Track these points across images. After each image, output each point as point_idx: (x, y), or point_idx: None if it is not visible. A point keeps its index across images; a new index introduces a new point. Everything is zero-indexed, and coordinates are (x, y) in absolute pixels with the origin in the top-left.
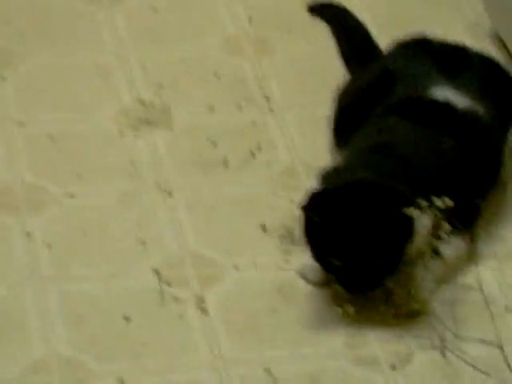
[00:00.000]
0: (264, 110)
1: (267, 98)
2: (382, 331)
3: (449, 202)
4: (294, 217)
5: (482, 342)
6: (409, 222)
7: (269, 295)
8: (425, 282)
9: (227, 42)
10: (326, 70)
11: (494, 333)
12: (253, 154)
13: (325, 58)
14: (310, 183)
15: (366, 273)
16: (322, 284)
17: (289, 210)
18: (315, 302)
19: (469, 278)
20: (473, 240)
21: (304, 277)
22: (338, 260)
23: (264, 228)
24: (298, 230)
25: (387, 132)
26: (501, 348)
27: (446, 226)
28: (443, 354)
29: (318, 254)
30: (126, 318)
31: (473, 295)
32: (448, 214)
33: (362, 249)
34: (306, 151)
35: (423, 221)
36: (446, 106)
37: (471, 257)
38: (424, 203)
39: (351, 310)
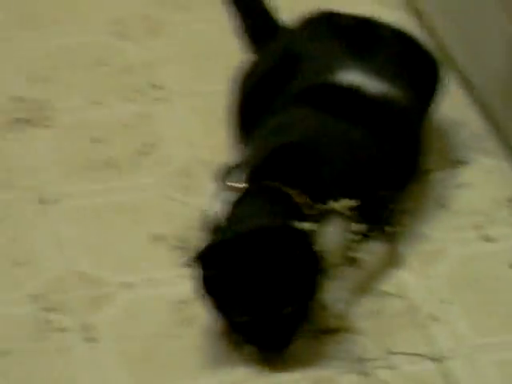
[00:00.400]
0: (155, 101)
1: (159, 88)
2: (297, 355)
3: (351, 203)
4: (190, 224)
5: (414, 356)
6: (314, 258)
7: (167, 317)
8: (341, 294)
9: (113, 24)
10: (226, 54)
11: (423, 344)
12: (144, 153)
13: (224, 40)
14: (208, 184)
15: (279, 325)
16: None
17: (184, 216)
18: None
19: (390, 284)
20: (392, 240)
21: None
22: (244, 316)
23: (157, 238)
24: (195, 238)
25: (289, 127)
26: (436, 360)
27: (359, 228)
28: (367, 375)
29: (221, 311)
30: (3, 353)
31: (397, 303)
32: (360, 214)
33: (268, 298)
34: (204, 147)
35: (332, 230)
36: (356, 92)
37: (392, 260)
38: (326, 208)
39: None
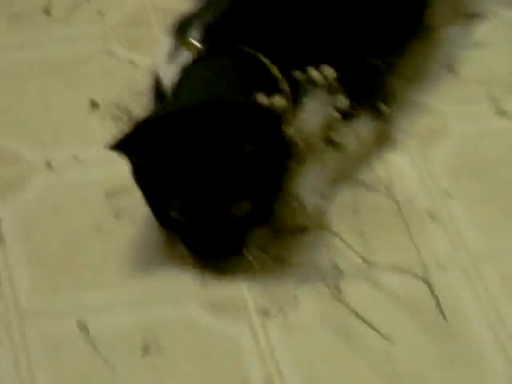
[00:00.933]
0: None
1: None
2: (250, 265)
3: (333, 72)
4: (134, 88)
5: (400, 270)
6: (279, 142)
7: (94, 206)
8: (316, 185)
9: None
10: None
11: (412, 251)
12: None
13: None
14: (161, 37)
15: (226, 228)
16: None
17: (129, 78)
18: None
19: (377, 172)
20: (384, 120)
21: None
22: (180, 215)
23: (94, 104)
24: (138, 108)
25: None
26: (425, 281)
27: (344, 104)
28: (336, 292)
29: (155, 207)
30: None
31: (384, 197)
32: (345, 86)
33: (213, 194)
34: None
35: (310, 106)
36: None
37: (381, 143)
38: (302, 78)
39: None
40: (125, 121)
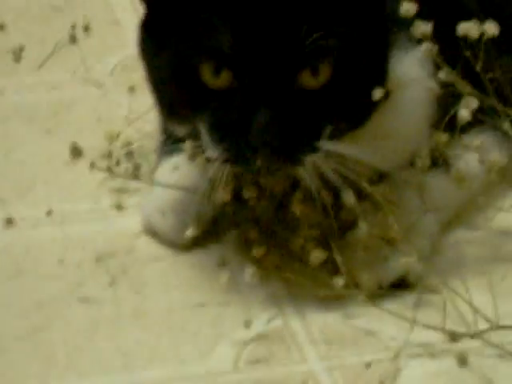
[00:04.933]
0: None
1: None
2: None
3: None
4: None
5: None
6: None
7: (77, 270)
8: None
9: None
10: None
11: None
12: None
13: None
14: None
15: (287, 107)
16: (189, 237)
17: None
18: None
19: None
20: None
21: (153, 228)
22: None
23: (76, 152)
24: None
25: None
26: None
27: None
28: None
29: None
30: None
31: None
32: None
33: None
34: None
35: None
36: None
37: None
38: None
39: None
40: (112, 172)
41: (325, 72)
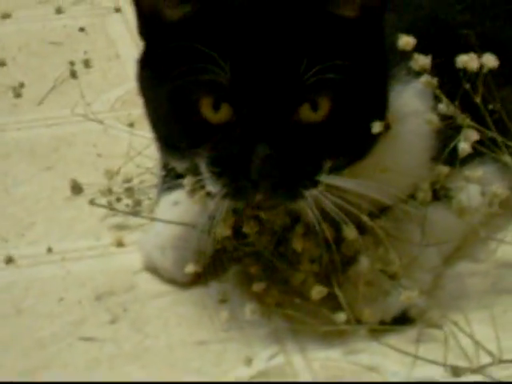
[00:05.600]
0: None
1: None
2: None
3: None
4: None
5: None
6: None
7: (77, 309)
8: (424, 263)
9: None
10: None
11: None
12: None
13: None
14: None
15: (285, 139)
16: (190, 273)
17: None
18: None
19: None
20: None
21: (153, 265)
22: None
23: (76, 188)
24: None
25: None
26: None
27: (470, 136)
28: None
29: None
30: None
31: None
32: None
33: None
34: None
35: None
36: None
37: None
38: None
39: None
40: (113, 208)
41: (324, 106)
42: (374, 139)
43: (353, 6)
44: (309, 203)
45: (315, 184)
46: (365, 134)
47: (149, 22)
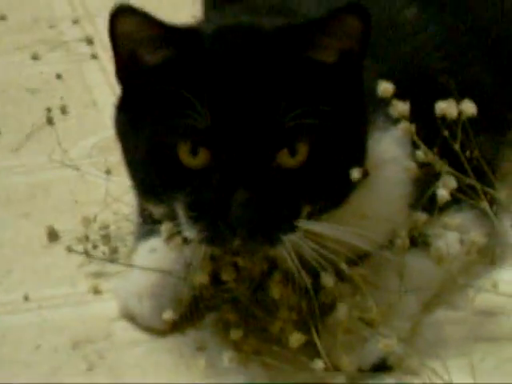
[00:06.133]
0: None
1: None
2: None
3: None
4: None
5: None
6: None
7: (53, 357)
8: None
9: None
10: None
11: None
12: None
13: None
14: None
15: (264, 185)
16: (167, 321)
17: (92, 208)
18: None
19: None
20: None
21: (130, 313)
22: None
23: (52, 235)
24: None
25: None
26: None
27: (449, 183)
28: None
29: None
30: None
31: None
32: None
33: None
34: None
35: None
36: None
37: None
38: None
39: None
40: (89, 256)
41: (302, 151)
42: (352, 185)
43: (331, 52)
44: (287, 249)
45: (293, 229)
46: (343, 179)
47: (127, 66)
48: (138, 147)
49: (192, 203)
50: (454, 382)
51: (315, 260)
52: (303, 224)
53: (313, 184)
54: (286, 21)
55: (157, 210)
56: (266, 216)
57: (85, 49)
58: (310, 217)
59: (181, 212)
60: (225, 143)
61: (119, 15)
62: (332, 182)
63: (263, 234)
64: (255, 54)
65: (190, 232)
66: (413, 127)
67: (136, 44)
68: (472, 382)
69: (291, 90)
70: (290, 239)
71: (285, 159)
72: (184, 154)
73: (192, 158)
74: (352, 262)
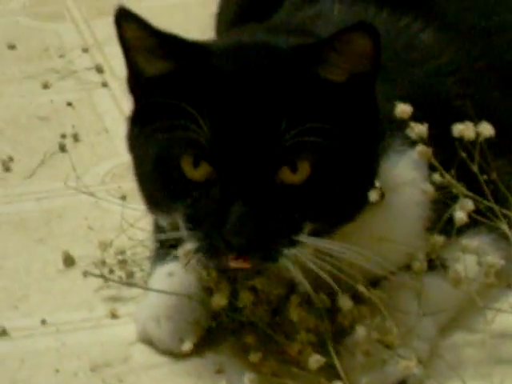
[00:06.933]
0: None
1: None
2: None
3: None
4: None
5: None
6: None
7: (74, 381)
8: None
9: None
10: None
11: None
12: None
13: None
14: None
15: (265, 201)
16: (187, 346)
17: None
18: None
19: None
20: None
21: (148, 337)
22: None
23: (68, 260)
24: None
25: None
26: None
27: (467, 206)
28: None
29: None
30: None
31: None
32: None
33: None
34: None
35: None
36: None
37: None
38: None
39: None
40: (106, 279)
41: (304, 169)
42: (359, 205)
43: (339, 70)
44: (289, 265)
45: (293, 244)
46: (348, 198)
47: (134, 77)
48: (145, 158)
49: (191, 214)
50: None
51: (327, 279)
52: (304, 239)
53: (315, 200)
54: (301, 40)
55: (163, 222)
56: (263, 229)
57: (95, 77)
58: (317, 234)
59: (181, 223)
60: (225, 157)
61: (122, 19)
62: (335, 199)
63: (259, 248)
64: (262, 71)
65: (189, 243)
66: (429, 150)
67: (138, 52)
68: None
69: (295, 107)
70: (290, 255)
71: (286, 175)
72: (187, 167)
73: (194, 171)
74: (370, 284)
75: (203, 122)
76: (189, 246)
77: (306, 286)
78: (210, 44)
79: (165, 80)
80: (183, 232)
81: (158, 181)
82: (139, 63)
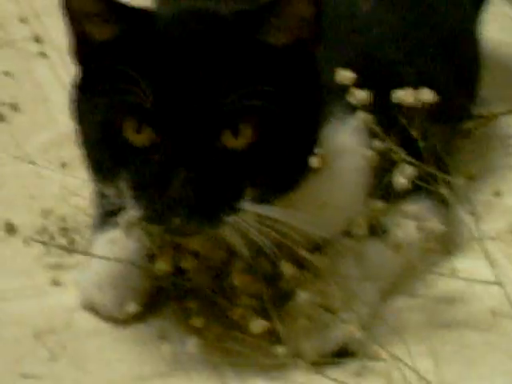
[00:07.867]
0: None
1: None
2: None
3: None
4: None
5: None
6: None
7: (15, 347)
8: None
9: None
10: None
11: None
12: None
13: None
14: None
15: (206, 164)
16: (130, 311)
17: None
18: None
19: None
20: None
21: (91, 303)
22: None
23: (10, 228)
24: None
25: None
26: None
27: (407, 172)
28: None
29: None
30: None
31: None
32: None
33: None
34: None
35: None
36: None
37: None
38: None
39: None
40: (48, 246)
41: (246, 133)
42: (302, 172)
43: (281, 35)
44: (232, 232)
45: (235, 210)
46: (291, 164)
47: (79, 42)
48: (90, 126)
49: (135, 181)
50: (417, 367)
51: (271, 247)
52: (246, 206)
53: (257, 166)
54: (242, 6)
55: (109, 191)
56: (205, 195)
57: (33, 47)
58: (260, 201)
59: (125, 190)
60: (167, 122)
61: None
62: (278, 166)
63: (201, 213)
64: (203, 36)
65: (133, 210)
66: (370, 117)
67: (85, 19)
68: (433, 367)
69: (236, 71)
70: (231, 220)
71: (229, 140)
72: (129, 132)
73: (136, 136)
74: (311, 250)
75: (146, 86)
76: (132, 212)
77: (245, 252)
78: (154, 10)
79: (110, 46)
80: (127, 199)
81: (102, 148)
82: (85, 30)
